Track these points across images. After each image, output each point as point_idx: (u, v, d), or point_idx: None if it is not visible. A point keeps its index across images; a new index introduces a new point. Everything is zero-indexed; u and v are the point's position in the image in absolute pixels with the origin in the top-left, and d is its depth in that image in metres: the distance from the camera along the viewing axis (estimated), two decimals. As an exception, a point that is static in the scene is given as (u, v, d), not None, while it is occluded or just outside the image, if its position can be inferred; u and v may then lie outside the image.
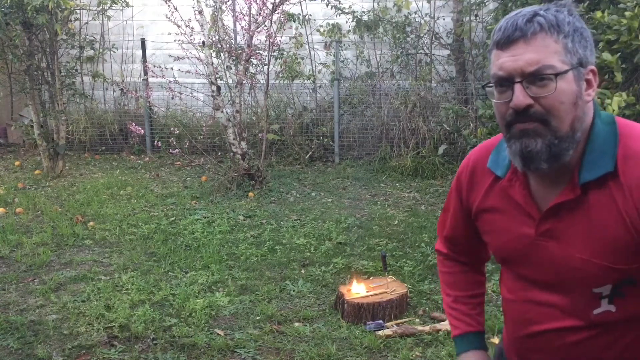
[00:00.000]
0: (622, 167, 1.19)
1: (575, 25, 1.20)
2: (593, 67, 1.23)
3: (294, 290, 4.06)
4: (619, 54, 3.63)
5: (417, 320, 3.62)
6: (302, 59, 8.46)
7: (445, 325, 3.47)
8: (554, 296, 1.29)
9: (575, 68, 1.19)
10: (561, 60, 1.18)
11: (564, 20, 1.19)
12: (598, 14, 3.78)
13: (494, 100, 1.25)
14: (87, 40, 8.33)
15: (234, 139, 6.54)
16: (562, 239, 1.26)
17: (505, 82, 1.21)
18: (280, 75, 8.15)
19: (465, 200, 1.47)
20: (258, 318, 3.68)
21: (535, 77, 1.17)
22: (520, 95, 1.18)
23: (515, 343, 1.42)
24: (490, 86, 1.25)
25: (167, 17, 6.36)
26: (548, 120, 1.19)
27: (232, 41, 7.38)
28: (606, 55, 3.63)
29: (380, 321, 3.53)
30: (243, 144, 6.63)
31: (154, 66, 6.65)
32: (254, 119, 8.10)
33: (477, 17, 7.66)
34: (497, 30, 1.22)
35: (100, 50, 8.74)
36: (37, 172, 7.40)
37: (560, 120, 1.19)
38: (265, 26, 6.62)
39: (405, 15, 7.96)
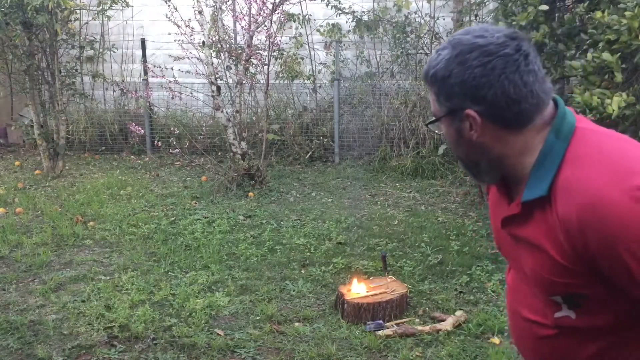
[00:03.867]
0: (555, 194, 1.17)
1: (437, 76, 1.24)
2: (467, 112, 1.22)
3: (294, 290, 4.06)
4: (619, 54, 3.63)
5: (417, 320, 3.62)
6: (302, 59, 8.46)
7: (445, 325, 3.47)
8: (529, 292, 1.34)
9: (448, 115, 1.26)
10: (437, 108, 1.29)
11: (430, 71, 1.25)
12: (598, 14, 3.78)
13: None
14: (87, 40, 8.33)
15: (234, 139, 6.54)
16: (519, 244, 1.30)
17: None
18: (280, 75, 8.15)
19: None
20: (258, 318, 3.68)
21: None
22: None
23: (512, 333, 1.48)
24: None
25: (167, 17, 6.37)
26: None
27: (232, 41, 7.38)
28: (606, 55, 3.62)
29: (380, 321, 3.53)
30: (243, 144, 6.63)
31: (154, 66, 6.65)
32: (254, 119, 8.10)
33: (477, 17, 7.66)
34: None
35: (100, 50, 8.73)
36: (37, 172, 7.40)
37: (456, 153, 1.33)
38: (265, 26, 6.62)
39: (405, 15, 7.97)
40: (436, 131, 1.36)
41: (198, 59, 6.55)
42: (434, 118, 1.30)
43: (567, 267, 1.18)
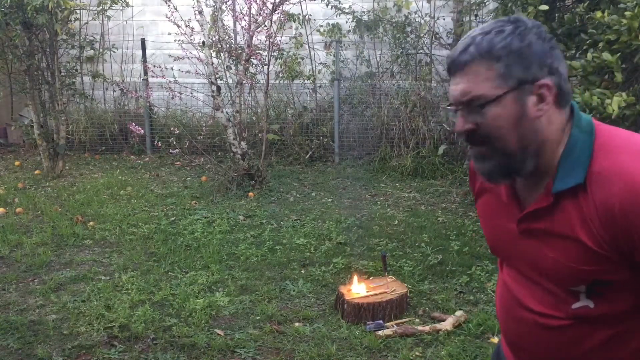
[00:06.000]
0: (591, 182, 1.21)
1: (511, 47, 1.22)
2: (544, 81, 1.23)
3: (294, 290, 4.06)
4: (619, 54, 3.63)
5: (417, 320, 3.62)
6: (302, 59, 8.46)
7: (445, 325, 3.47)
8: (538, 288, 1.34)
9: (515, 89, 1.22)
10: (494, 87, 1.22)
11: (497, 45, 1.21)
12: (598, 14, 3.78)
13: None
14: (87, 40, 8.33)
15: (234, 139, 6.54)
16: (538, 239, 1.30)
17: (454, 108, 1.28)
18: (280, 75, 8.15)
19: (472, 189, 1.56)
20: (258, 318, 3.68)
21: (471, 106, 1.24)
22: (460, 122, 1.26)
23: (506, 331, 1.48)
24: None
25: (167, 17, 6.37)
26: (491, 142, 1.25)
27: (232, 41, 7.38)
28: (606, 55, 3.62)
29: (380, 321, 3.53)
30: (243, 144, 6.63)
31: (154, 66, 6.65)
32: (254, 119, 8.10)
33: (477, 17, 7.66)
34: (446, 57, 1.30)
35: (100, 50, 8.73)
36: (37, 172, 7.40)
37: (503, 142, 1.24)
38: (265, 26, 6.62)
39: (405, 15, 7.97)
40: (478, 120, 1.25)
41: (198, 59, 6.55)
42: (486, 100, 1.22)
43: (599, 255, 1.21)
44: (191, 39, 6.45)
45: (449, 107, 1.30)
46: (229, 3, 6.98)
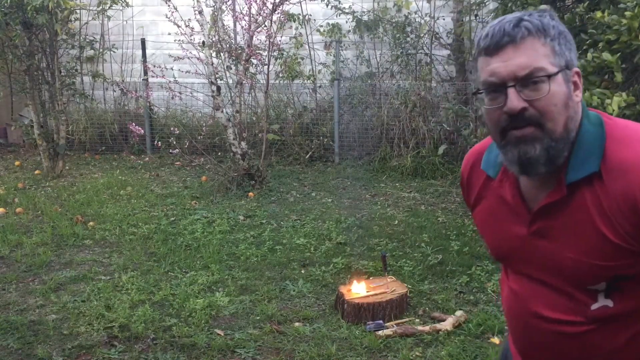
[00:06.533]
0: (607, 172, 1.19)
1: (559, 29, 1.23)
2: (577, 69, 1.25)
3: (294, 290, 4.06)
4: (619, 54, 3.63)
5: (417, 320, 3.62)
6: (302, 59, 8.46)
7: (445, 325, 3.47)
8: (552, 293, 1.30)
9: (563, 70, 1.21)
10: (551, 63, 1.20)
11: (549, 24, 1.21)
12: (598, 14, 3.78)
13: (486, 107, 1.25)
14: (87, 40, 8.33)
15: (234, 139, 6.54)
16: (552, 238, 1.27)
17: (498, 88, 1.22)
18: (280, 75, 8.15)
19: (467, 199, 1.51)
20: (258, 318, 3.68)
21: (528, 81, 1.19)
22: (514, 99, 1.19)
23: (518, 339, 1.42)
24: (481, 93, 1.25)
25: (167, 17, 6.37)
26: (542, 123, 1.20)
27: (232, 41, 7.38)
28: (606, 55, 3.62)
29: (380, 321, 3.53)
30: (243, 144, 6.63)
31: (154, 66, 6.65)
32: (254, 119, 8.10)
33: (477, 17, 7.66)
34: (483, 37, 1.23)
35: (100, 50, 8.74)
36: (37, 172, 7.40)
37: (554, 122, 1.20)
38: (265, 26, 6.62)
39: (405, 15, 7.97)
40: (484, 106, 1.25)
41: (198, 59, 6.55)
42: (547, 74, 1.20)
43: (621, 248, 1.18)
44: (191, 39, 6.45)
45: (479, 92, 1.26)
46: (229, 3, 6.98)
